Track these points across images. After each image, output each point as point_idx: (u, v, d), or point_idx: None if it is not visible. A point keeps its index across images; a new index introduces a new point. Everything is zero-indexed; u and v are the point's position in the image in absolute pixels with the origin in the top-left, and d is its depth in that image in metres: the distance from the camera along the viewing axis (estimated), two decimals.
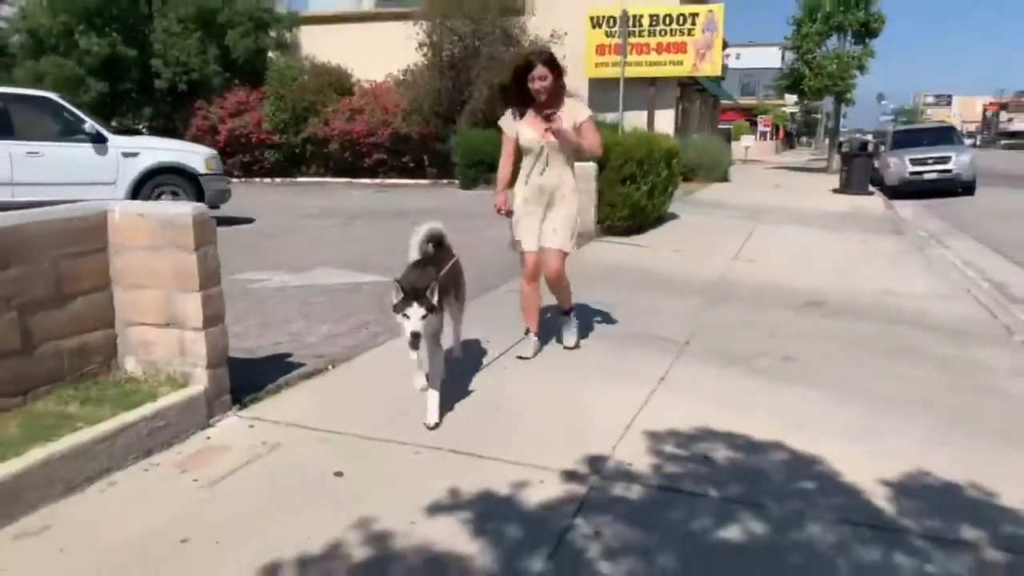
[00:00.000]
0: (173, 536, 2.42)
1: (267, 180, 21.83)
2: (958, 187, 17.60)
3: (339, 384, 3.96)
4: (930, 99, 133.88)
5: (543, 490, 2.79)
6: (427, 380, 3.51)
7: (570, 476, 2.91)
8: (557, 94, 4.23)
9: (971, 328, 5.57)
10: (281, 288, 6.29)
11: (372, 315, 5.30)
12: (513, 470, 2.94)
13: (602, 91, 20.79)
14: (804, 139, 77.36)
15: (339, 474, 2.80)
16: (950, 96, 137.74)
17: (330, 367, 4.13)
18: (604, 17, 21.18)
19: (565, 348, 4.61)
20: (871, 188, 17.83)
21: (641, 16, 20.74)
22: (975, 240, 10.81)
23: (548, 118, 4.15)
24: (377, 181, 21.46)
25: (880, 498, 2.78)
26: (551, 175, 4.29)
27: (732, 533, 2.53)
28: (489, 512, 2.63)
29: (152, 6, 22.40)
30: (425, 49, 20.83)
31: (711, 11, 20.67)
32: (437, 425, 3.33)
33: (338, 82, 22.55)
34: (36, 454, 2.58)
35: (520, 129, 4.30)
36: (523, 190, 4.35)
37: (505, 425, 3.46)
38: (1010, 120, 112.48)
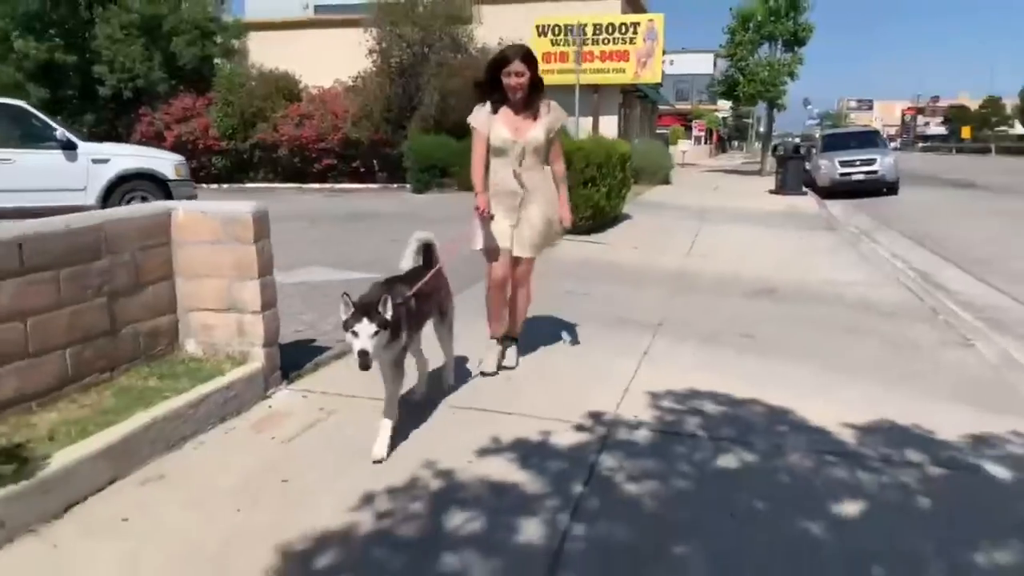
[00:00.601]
0: (274, 477, 2.88)
1: (214, 186, 21.79)
2: (883, 187, 18.86)
3: None
4: (853, 104, 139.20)
5: (568, 436, 3.34)
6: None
7: (586, 427, 3.46)
8: (534, 93, 4.03)
9: (902, 310, 6.32)
10: (280, 286, 6.66)
11: None
12: (538, 423, 3.48)
13: (548, 96, 21.49)
14: (736, 143, 79.97)
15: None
16: (871, 101, 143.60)
17: None
18: (550, 26, 21.93)
19: (506, 368, 4.29)
20: (804, 189, 18.94)
21: (586, 25, 21.54)
22: (900, 235, 11.80)
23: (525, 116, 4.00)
24: (327, 186, 21.66)
25: (842, 435, 3.42)
26: (526, 177, 4.07)
27: (728, 462, 3.13)
28: (528, 453, 3.16)
29: (93, 12, 22.17)
30: (375, 56, 21.16)
31: (651, 21, 21.64)
32: (382, 460, 3.05)
33: (286, 88, 22.66)
34: (141, 418, 3.00)
35: (493, 126, 4.04)
36: (494, 191, 4.09)
37: (518, 391, 3.99)
38: (927, 124, 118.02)
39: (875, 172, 18.68)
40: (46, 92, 21.64)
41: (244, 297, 3.62)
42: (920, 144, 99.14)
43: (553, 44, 21.90)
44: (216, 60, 23.57)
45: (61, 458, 2.62)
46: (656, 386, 4.01)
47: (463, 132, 18.97)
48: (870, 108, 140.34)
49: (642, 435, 3.38)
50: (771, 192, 19.03)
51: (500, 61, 4.01)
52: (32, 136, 9.79)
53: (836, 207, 16.01)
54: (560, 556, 2.40)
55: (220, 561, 2.36)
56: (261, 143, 21.96)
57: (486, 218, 4.02)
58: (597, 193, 9.81)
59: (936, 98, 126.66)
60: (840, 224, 12.94)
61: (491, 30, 20.62)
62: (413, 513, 2.65)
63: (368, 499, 2.72)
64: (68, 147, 9.82)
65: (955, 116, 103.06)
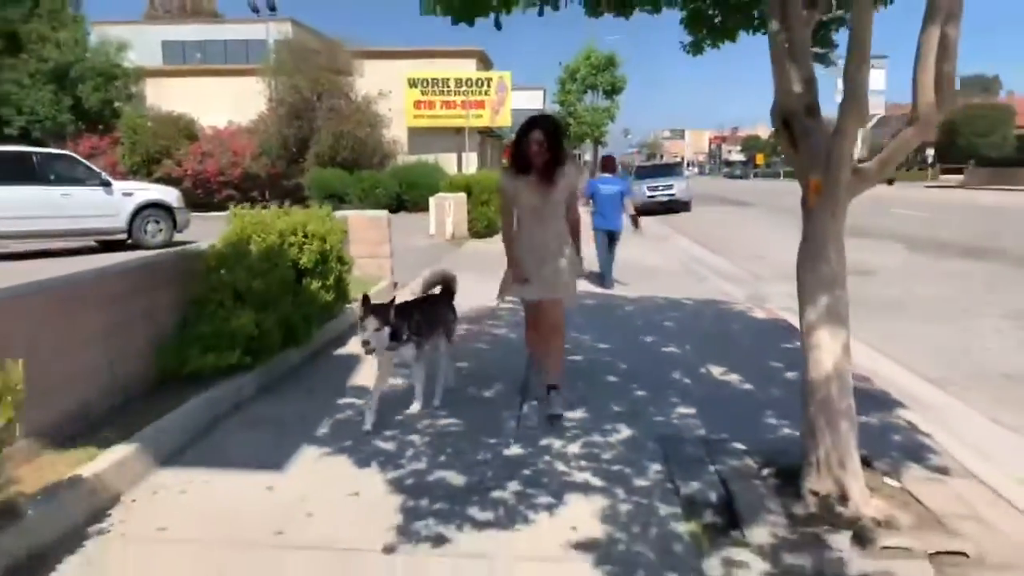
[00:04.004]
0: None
1: None
2: (679, 207, 25.00)
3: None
4: (667, 133, 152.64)
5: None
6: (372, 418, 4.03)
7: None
8: (554, 159, 4.19)
9: (681, 272, 11.47)
10: None
11: None
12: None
13: (419, 136, 26.23)
14: None
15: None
16: (683, 130, 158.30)
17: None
18: (419, 79, 26.64)
19: (552, 415, 4.29)
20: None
21: (448, 79, 26.46)
22: (687, 238, 17.42)
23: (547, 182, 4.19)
24: (227, 213, 25.02)
25: (636, 297, 8.28)
26: (548, 233, 4.31)
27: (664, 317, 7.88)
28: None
29: (3, 60, 24.27)
30: (272, 102, 24.91)
31: (502, 77, 26.93)
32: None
33: (186, 128, 25.79)
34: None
35: (517, 188, 4.27)
36: (521, 246, 4.36)
37: None
38: (730, 152, 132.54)
39: (673, 195, 24.78)
40: None
41: (380, 251, 7.99)
42: (724, 170, 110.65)
43: (423, 94, 26.63)
44: (116, 103, 26.22)
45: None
46: None
47: (353, 165, 23.37)
48: (682, 136, 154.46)
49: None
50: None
51: (525, 128, 4.23)
52: (81, 177, 13.19)
53: (645, 221, 21.69)
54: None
55: None
56: (166, 177, 24.90)
57: (520, 280, 4.38)
58: (489, 210, 14.58)
59: (735, 128, 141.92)
60: (647, 231, 18.46)
61: (371, 80, 25.03)
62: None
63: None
64: (106, 185, 13.32)
65: (751, 145, 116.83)
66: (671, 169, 28.17)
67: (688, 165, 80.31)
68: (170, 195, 14.28)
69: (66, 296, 3.72)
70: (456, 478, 3.46)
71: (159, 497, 3.24)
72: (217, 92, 26.84)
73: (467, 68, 26.57)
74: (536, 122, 4.23)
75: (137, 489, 3.28)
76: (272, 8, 28.53)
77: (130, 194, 13.66)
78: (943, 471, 3.67)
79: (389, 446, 3.87)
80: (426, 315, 4.40)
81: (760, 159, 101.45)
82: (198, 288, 4.61)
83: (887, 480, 3.48)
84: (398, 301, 4.26)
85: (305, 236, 5.40)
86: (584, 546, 2.85)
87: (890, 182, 46.81)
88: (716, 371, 5.39)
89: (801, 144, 3.18)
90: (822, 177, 3.10)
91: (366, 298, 4.04)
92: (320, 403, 4.48)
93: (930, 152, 58.01)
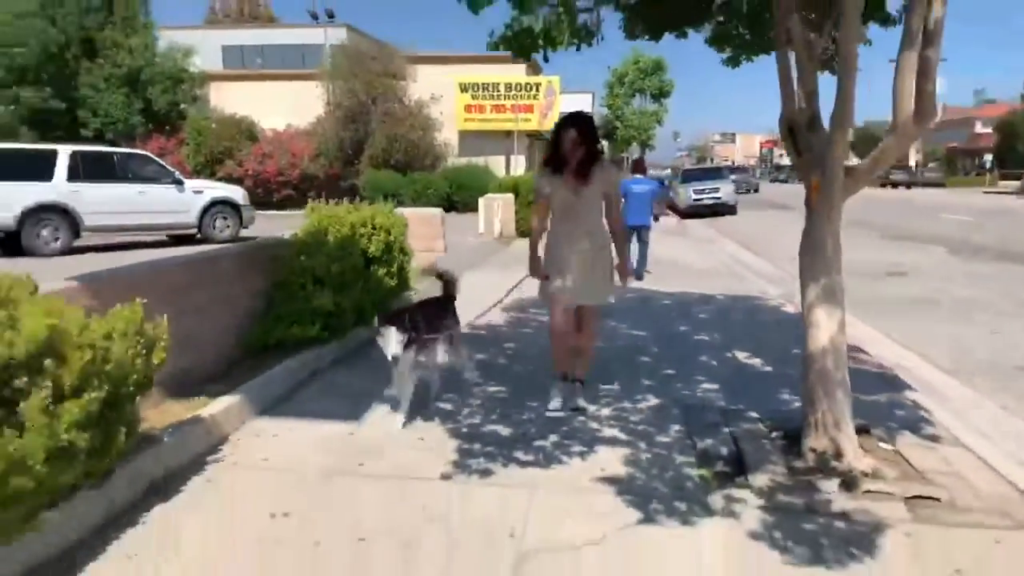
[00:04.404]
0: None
1: None
2: (725, 210, 25.26)
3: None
4: (717, 137, 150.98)
5: None
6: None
7: None
8: (589, 158, 4.17)
9: (722, 272, 11.91)
10: None
11: None
12: None
13: (469, 139, 26.99)
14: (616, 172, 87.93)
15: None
16: (734, 134, 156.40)
17: None
18: (469, 84, 27.38)
19: (572, 410, 4.37)
20: (667, 211, 25.04)
21: (499, 84, 27.15)
22: (732, 240, 17.77)
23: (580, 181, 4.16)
24: (286, 212, 26.06)
25: (689, 291, 8.78)
26: (585, 233, 4.26)
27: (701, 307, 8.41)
28: None
29: (80, 65, 25.76)
30: (330, 106, 25.90)
31: (550, 82, 27.51)
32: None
33: (247, 130, 26.97)
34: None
35: (553, 187, 4.25)
36: (559, 247, 4.31)
37: None
38: (780, 156, 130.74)
39: (719, 198, 25.06)
40: (36, 135, 25.01)
41: (434, 245, 8.65)
42: (772, 174, 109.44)
43: (474, 98, 27.38)
44: (182, 105, 27.55)
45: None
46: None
47: (406, 167, 24.27)
48: (733, 140, 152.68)
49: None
50: None
51: (560, 126, 4.20)
52: (156, 176, 14.19)
53: (691, 223, 22.06)
54: None
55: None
56: (227, 176, 26.08)
57: (540, 276, 4.41)
58: None
59: None
60: (693, 233, 18.87)
61: (423, 85, 25.87)
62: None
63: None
64: (178, 183, 14.29)
65: None
66: (716, 173, 28.49)
67: (738, 169, 79.75)
68: (236, 193, 15.22)
69: (181, 273, 4.44)
70: (504, 430, 4.08)
71: (259, 438, 3.91)
72: (276, 95, 27.96)
73: (517, 73, 27.19)
74: (571, 120, 4.22)
75: (241, 432, 3.97)
76: (331, 16, 29.61)
77: (200, 192, 14.61)
78: (935, 439, 4.14)
79: (448, 406, 4.51)
80: (427, 320, 4.42)
81: None
82: (283, 272, 5.30)
83: (881, 444, 3.97)
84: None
85: (373, 228, 6.06)
86: (610, 481, 3.43)
87: (908, 186, 46.78)
88: (741, 355, 5.90)
89: (804, 151, 3.71)
90: (820, 178, 3.63)
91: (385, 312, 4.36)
92: (387, 374, 5.13)
93: (988, 158, 56.79)
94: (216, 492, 3.29)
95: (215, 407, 3.92)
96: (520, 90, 27.30)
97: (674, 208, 25.89)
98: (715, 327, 7.03)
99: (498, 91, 27.26)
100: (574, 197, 4.24)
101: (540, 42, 3.32)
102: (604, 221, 4.40)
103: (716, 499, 3.30)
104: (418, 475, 3.49)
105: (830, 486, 3.43)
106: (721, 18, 4.64)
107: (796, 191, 44.98)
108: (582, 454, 3.74)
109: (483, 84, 27.33)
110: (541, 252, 4.49)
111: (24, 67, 24.71)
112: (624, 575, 2.71)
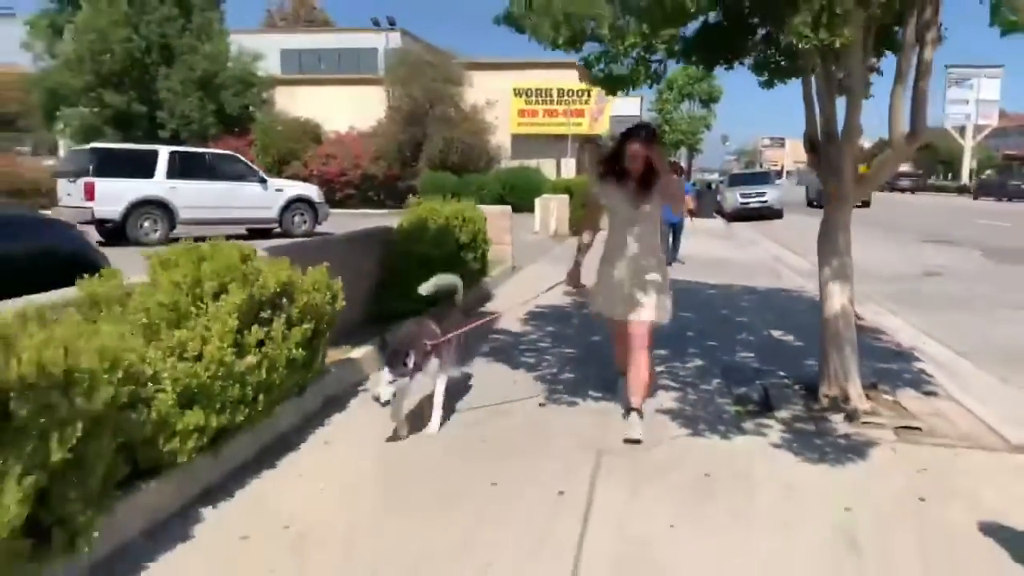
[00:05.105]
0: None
1: None
2: (771, 214, 25.93)
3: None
4: (767, 141, 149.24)
5: None
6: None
7: None
8: (652, 170, 4.09)
9: (763, 270, 12.80)
10: None
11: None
12: None
13: (522, 143, 28.14)
14: None
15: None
16: (783, 138, 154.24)
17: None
18: (524, 88, 28.53)
19: (625, 441, 4.01)
20: (714, 214, 25.84)
21: (552, 89, 28.24)
22: (775, 242, 18.58)
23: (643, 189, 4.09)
24: (348, 211, 27.41)
25: (732, 286, 9.75)
26: (636, 245, 4.20)
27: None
28: None
29: (159, 70, 27.50)
30: (390, 109, 27.22)
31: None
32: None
33: (312, 132, 28.43)
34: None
35: (610, 194, 4.22)
36: (610, 257, 4.29)
37: None
38: None
39: (765, 202, 25.76)
40: (120, 135, 26.72)
41: (503, 237, 9.75)
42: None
43: (527, 103, 28.52)
44: (251, 108, 29.15)
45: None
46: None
47: (461, 169, 25.56)
48: (783, 145, 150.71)
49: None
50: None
51: (624, 137, 4.18)
52: (242, 174, 15.61)
53: (737, 226, 22.84)
54: None
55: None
56: (293, 177, 27.49)
57: (579, 288, 4.48)
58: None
59: None
60: (738, 235, 19.70)
61: (479, 90, 27.05)
62: None
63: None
64: (262, 181, 15.68)
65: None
66: (763, 177, 29.13)
67: (787, 174, 79.62)
68: (313, 191, 16.58)
69: (336, 248, 5.64)
70: (577, 378, 5.17)
71: None
72: (336, 99, 29.35)
73: (568, 78, 28.25)
74: (634, 132, 4.14)
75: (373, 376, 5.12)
76: (392, 23, 31.03)
77: (281, 190, 15.99)
78: (933, 395, 5.10)
79: (531, 360, 5.63)
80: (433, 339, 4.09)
81: (863, 168, 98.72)
82: (391, 256, 6.47)
83: (885, 396, 4.96)
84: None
85: (463, 220, 7.19)
86: (664, 412, 4.50)
87: (913, 191, 48.06)
88: (776, 333, 6.89)
89: (823, 163, 4.72)
90: (836, 185, 4.64)
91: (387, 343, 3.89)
92: (478, 337, 6.26)
93: None
94: (368, 409, 4.42)
95: (357, 353, 5.09)
96: (572, 95, 28.33)
97: (721, 211, 26.69)
98: (754, 312, 8.01)
99: (551, 96, 28.34)
100: (632, 209, 4.18)
101: (626, 83, 4.41)
102: (657, 234, 4.37)
103: (748, 425, 4.34)
104: (520, 400, 4.66)
105: (836, 418, 4.45)
106: (762, 48, 5.64)
107: None
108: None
109: (537, 89, 28.43)
110: (584, 261, 4.48)
111: (110, 72, 26.52)
112: (678, 464, 3.76)
